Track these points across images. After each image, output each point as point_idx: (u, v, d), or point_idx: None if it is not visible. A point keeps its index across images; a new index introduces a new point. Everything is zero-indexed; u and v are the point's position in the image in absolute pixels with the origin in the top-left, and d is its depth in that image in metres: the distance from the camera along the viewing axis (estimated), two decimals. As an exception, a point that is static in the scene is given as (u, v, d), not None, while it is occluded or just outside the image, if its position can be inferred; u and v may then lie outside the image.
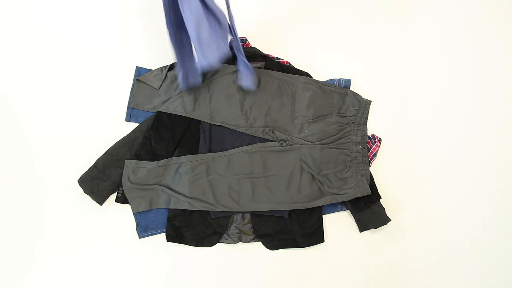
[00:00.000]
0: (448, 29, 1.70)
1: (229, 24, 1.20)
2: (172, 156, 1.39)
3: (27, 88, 1.48)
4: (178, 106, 1.41)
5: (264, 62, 1.48)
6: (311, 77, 1.48)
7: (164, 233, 1.35)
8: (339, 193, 1.37)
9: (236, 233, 1.37)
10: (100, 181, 1.35)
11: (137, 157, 1.37)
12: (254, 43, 1.56)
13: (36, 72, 1.50)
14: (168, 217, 1.35)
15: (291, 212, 1.37)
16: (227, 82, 1.44)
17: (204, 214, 1.36)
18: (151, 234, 1.36)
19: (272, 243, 1.37)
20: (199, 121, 1.41)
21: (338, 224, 1.42)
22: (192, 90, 1.42)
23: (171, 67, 1.49)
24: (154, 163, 1.36)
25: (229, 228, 1.37)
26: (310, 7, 1.67)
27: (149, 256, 1.35)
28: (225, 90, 1.43)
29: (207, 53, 1.09)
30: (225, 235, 1.37)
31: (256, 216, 1.37)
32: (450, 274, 1.40)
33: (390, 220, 1.38)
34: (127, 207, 1.37)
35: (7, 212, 1.36)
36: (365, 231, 1.40)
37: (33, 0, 1.58)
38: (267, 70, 1.47)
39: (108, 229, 1.36)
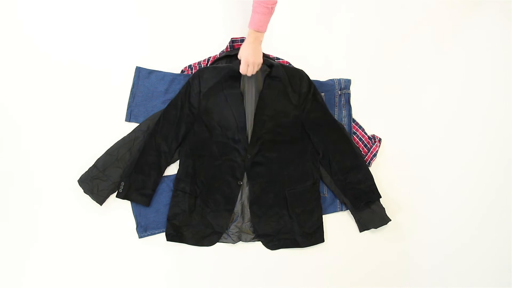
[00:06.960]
0: (447, 29, 1.70)
1: None
2: (174, 154, 1.39)
3: (27, 88, 1.48)
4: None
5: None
6: (308, 77, 1.47)
7: (164, 233, 1.35)
8: None
9: (236, 232, 1.36)
10: (100, 181, 1.35)
11: (140, 152, 1.36)
12: (254, 43, 1.56)
13: (36, 72, 1.50)
14: (168, 217, 1.35)
15: (291, 212, 1.37)
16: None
17: (204, 213, 1.36)
18: (151, 234, 1.36)
19: (272, 243, 1.37)
20: (204, 122, 1.40)
21: (338, 224, 1.42)
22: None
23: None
24: None
25: (229, 228, 1.37)
26: (310, 7, 1.67)
27: (149, 255, 1.35)
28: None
29: None
30: (225, 235, 1.37)
31: (256, 216, 1.36)
32: (450, 273, 1.39)
33: (390, 220, 1.37)
34: (127, 207, 1.37)
35: (7, 212, 1.36)
36: (365, 231, 1.40)
37: (34, 1, 1.58)
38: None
39: (108, 229, 1.36)
